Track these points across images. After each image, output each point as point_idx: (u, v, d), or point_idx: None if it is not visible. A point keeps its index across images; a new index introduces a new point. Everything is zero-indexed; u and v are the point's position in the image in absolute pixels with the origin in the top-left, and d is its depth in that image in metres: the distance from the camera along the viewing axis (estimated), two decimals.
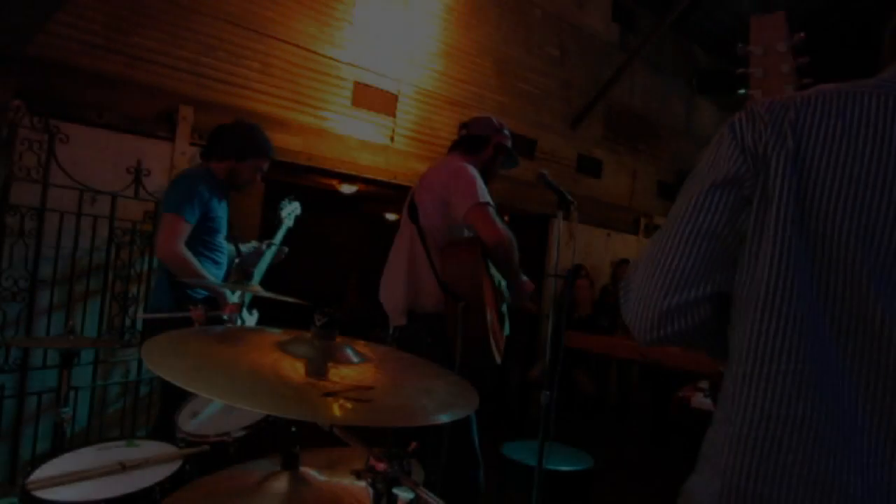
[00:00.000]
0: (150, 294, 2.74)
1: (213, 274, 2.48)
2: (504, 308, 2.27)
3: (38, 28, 2.58)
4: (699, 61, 7.80)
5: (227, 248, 2.63)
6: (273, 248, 2.78)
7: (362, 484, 0.88)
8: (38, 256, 3.02)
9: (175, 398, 2.83)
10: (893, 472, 0.68)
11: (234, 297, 2.44)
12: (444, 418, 0.90)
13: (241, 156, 2.54)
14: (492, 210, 2.02)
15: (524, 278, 2.30)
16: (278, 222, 2.91)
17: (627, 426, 5.79)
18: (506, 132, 2.43)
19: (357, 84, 4.37)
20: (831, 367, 0.71)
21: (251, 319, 2.75)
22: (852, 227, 0.70)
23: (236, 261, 2.72)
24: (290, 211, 2.99)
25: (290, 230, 2.93)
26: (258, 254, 2.75)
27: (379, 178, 4.57)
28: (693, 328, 0.82)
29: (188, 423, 1.77)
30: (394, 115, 4.62)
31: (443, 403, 0.96)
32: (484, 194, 2.05)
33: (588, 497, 2.65)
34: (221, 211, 2.54)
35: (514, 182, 5.45)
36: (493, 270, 2.17)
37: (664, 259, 0.83)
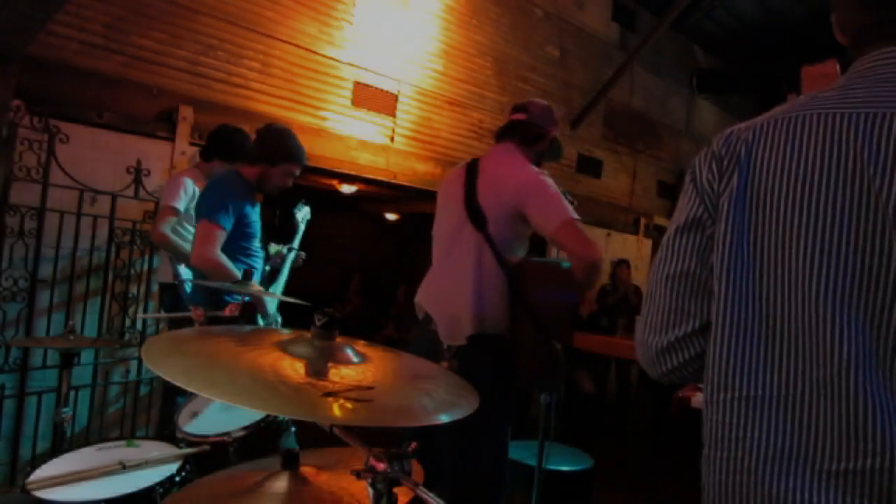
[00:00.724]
0: (187, 294, 2.77)
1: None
2: None
3: (38, 28, 2.57)
4: (699, 61, 7.80)
5: (261, 260, 2.67)
6: (294, 252, 2.87)
7: (362, 484, 0.88)
8: (38, 256, 3.02)
9: (175, 392, 2.85)
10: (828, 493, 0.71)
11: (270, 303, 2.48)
12: (444, 418, 0.90)
13: (273, 161, 2.49)
14: (582, 226, 1.85)
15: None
16: (294, 227, 2.98)
17: (627, 426, 5.79)
18: (558, 126, 2.24)
19: (357, 84, 4.37)
20: (773, 393, 0.76)
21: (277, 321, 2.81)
22: (788, 256, 0.76)
23: (268, 268, 2.78)
24: (303, 215, 3.06)
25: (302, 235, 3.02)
26: (281, 258, 2.85)
27: (379, 177, 4.57)
28: (691, 360, 0.88)
29: (188, 423, 1.77)
30: (394, 115, 4.61)
31: (443, 403, 0.96)
32: (570, 208, 1.89)
33: (588, 497, 2.65)
34: (255, 215, 2.53)
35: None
36: None
37: (650, 304, 0.92)
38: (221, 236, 2.31)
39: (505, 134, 2.14)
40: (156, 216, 2.89)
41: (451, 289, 1.96)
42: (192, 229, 2.89)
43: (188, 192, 2.90)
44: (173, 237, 2.84)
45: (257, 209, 2.58)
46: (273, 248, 2.85)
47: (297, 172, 2.59)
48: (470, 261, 1.93)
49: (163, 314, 3.13)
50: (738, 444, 0.79)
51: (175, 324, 2.80)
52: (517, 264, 1.95)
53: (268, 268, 2.76)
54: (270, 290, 2.76)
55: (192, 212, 2.87)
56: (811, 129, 0.77)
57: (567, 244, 1.82)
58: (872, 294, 0.70)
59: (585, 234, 1.83)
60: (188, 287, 2.83)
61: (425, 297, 2.07)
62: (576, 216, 1.85)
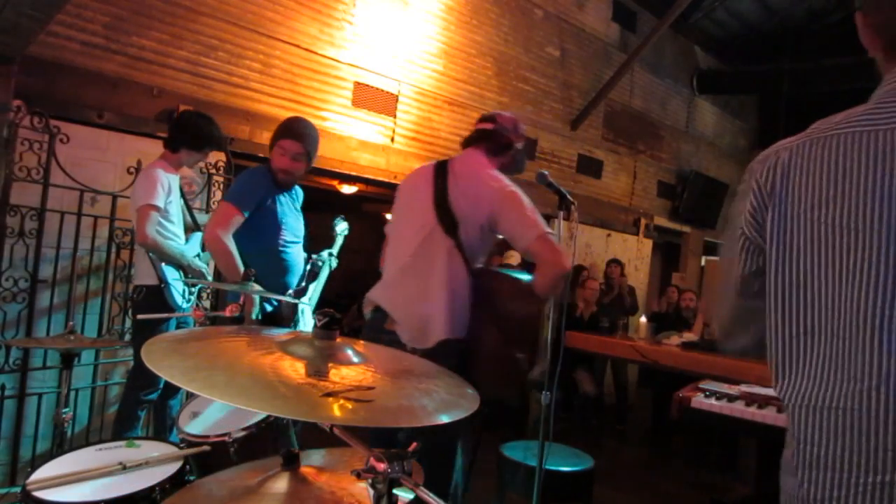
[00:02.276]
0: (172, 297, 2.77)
1: (282, 282, 2.52)
2: None
3: (38, 28, 2.57)
4: (699, 61, 7.80)
5: (300, 255, 2.69)
6: (333, 259, 2.96)
7: (362, 484, 0.88)
8: (39, 257, 3.02)
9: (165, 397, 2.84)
10: None
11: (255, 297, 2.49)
12: (444, 418, 0.90)
13: (271, 145, 2.56)
14: (555, 239, 1.91)
15: None
16: (332, 237, 3.10)
17: (627, 426, 5.79)
18: (523, 139, 2.26)
19: (357, 84, 4.37)
20: (814, 403, 0.81)
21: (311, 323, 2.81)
22: (815, 268, 0.80)
23: (309, 266, 2.82)
24: (342, 230, 3.15)
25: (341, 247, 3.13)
26: (319, 262, 2.91)
27: (379, 178, 4.57)
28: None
29: (188, 423, 1.77)
30: (394, 116, 4.62)
31: (443, 403, 0.96)
32: (543, 221, 1.94)
33: (588, 497, 2.64)
34: (288, 212, 2.57)
35: (515, 182, 5.45)
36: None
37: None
38: (237, 219, 2.37)
39: (472, 142, 2.17)
40: (135, 217, 2.66)
41: (421, 292, 1.96)
42: (169, 226, 2.78)
43: (165, 188, 2.72)
44: (160, 238, 2.68)
45: (288, 207, 2.60)
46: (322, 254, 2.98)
47: (293, 150, 2.52)
48: (440, 265, 1.95)
49: (163, 314, 3.11)
50: (787, 447, 0.84)
51: (144, 329, 2.62)
52: (483, 272, 1.99)
53: (308, 267, 2.81)
54: (310, 288, 2.80)
55: (168, 207, 2.77)
56: (847, 147, 0.79)
57: (542, 255, 1.89)
58: None
59: (559, 246, 1.91)
60: (174, 291, 2.76)
61: (385, 298, 2.06)
62: (549, 230, 1.92)
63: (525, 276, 2.00)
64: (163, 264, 2.72)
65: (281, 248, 2.55)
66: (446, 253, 1.96)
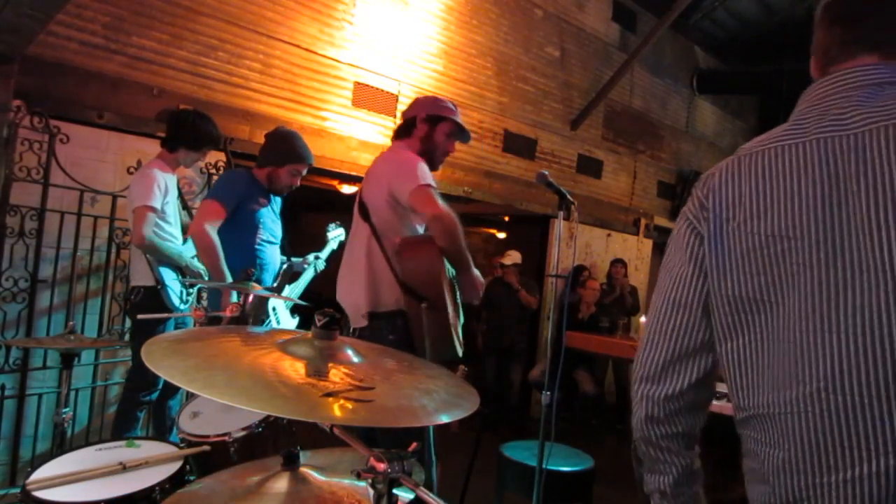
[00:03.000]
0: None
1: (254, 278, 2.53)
2: (458, 299, 2.19)
3: (38, 28, 2.58)
4: (699, 61, 7.79)
5: (275, 256, 2.73)
6: (320, 262, 3.01)
7: (362, 484, 0.88)
8: (39, 257, 3.02)
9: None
10: None
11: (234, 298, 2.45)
12: (444, 418, 0.90)
13: (280, 162, 2.65)
14: (434, 191, 1.97)
15: (476, 273, 2.16)
16: (324, 242, 3.14)
17: (627, 426, 5.78)
18: (443, 105, 2.26)
19: (357, 84, 4.37)
20: (772, 411, 0.83)
21: (293, 322, 2.88)
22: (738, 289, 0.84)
23: (285, 266, 2.87)
24: (336, 236, 3.19)
25: (332, 251, 3.17)
26: (304, 263, 2.97)
27: None
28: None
29: (188, 423, 1.77)
30: (394, 115, 4.61)
31: (443, 403, 0.96)
32: (425, 176, 2.00)
33: (588, 497, 2.64)
34: (266, 214, 2.65)
35: (515, 182, 5.45)
36: (447, 264, 2.10)
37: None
38: (220, 213, 2.46)
39: (392, 139, 2.34)
40: (132, 218, 2.67)
41: (350, 278, 2.14)
42: (166, 227, 2.79)
43: (161, 189, 2.71)
44: (157, 240, 2.67)
45: (270, 211, 2.68)
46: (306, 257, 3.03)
47: (304, 172, 2.74)
48: (361, 251, 2.10)
49: (163, 314, 3.11)
50: (753, 457, 0.85)
51: (142, 329, 2.64)
52: (396, 244, 2.07)
53: (283, 268, 2.87)
54: (290, 290, 2.85)
55: (165, 207, 2.76)
56: (771, 160, 0.83)
57: (417, 207, 1.96)
58: (849, 304, 0.74)
59: (435, 196, 1.95)
60: (171, 292, 2.75)
61: (338, 295, 2.21)
62: (427, 182, 1.96)
63: (414, 234, 2.10)
64: (160, 266, 2.72)
65: (257, 247, 2.63)
66: (365, 239, 2.10)
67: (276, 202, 2.79)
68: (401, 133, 2.27)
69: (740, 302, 0.83)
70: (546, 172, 2.28)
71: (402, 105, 4.66)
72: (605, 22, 6.36)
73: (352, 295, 2.12)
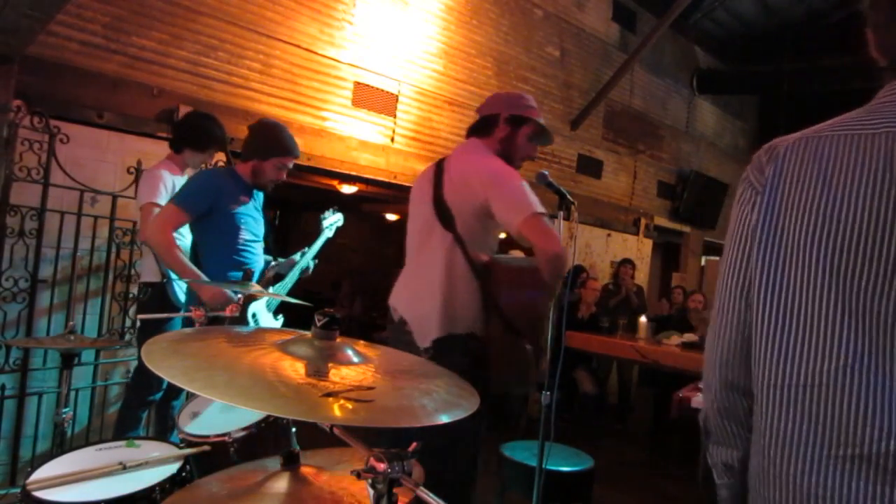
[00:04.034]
0: (175, 295, 2.74)
1: (236, 278, 2.47)
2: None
3: (38, 28, 2.58)
4: (699, 61, 7.80)
5: (259, 256, 2.62)
6: (307, 258, 2.82)
7: (362, 484, 0.88)
8: (39, 257, 3.02)
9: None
10: None
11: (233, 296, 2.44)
12: (444, 418, 0.90)
13: (264, 155, 2.50)
14: (546, 220, 1.81)
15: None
16: (318, 232, 2.96)
17: (627, 426, 5.79)
18: (526, 104, 2.09)
19: (357, 84, 4.37)
20: (791, 382, 0.85)
21: (276, 324, 2.75)
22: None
23: (272, 263, 2.74)
24: (333, 222, 3.02)
25: (327, 240, 3.01)
26: (291, 263, 2.80)
27: (379, 178, 4.57)
28: None
29: (188, 423, 1.77)
30: (394, 115, 4.62)
31: (443, 404, 0.96)
32: (534, 200, 1.84)
33: (588, 497, 2.64)
34: (247, 211, 2.52)
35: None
36: None
37: None
38: (179, 218, 2.35)
39: (468, 133, 2.15)
40: (139, 215, 2.72)
41: (422, 290, 1.94)
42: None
43: (168, 188, 2.75)
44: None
45: (252, 207, 2.55)
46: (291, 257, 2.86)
47: (290, 165, 2.57)
48: (440, 262, 1.91)
49: (163, 314, 3.11)
50: (763, 433, 0.86)
51: (152, 326, 2.65)
52: (486, 264, 1.92)
53: (272, 264, 2.74)
54: (274, 290, 2.75)
55: None
56: (839, 147, 0.84)
57: (530, 238, 1.78)
58: (880, 290, 0.76)
59: (550, 227, 1.80)
60: (177, 288, 2.78)
61: (398, 300, 2.04)
62: (540, 210, 1.81)
63: (524, 262, 1.94)
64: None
65: (240, 248, 2.52)
66: (446, 248, 1.91)
67: (259, 197, 2.67)
68: (479, 130, 2.07)
69: (782, 272, 0.85)
70: (546, 172, 2.26)
71: (403, 105, 4.66)
72: (605, 22, 6.36)
73: (420, 307, 1.93)
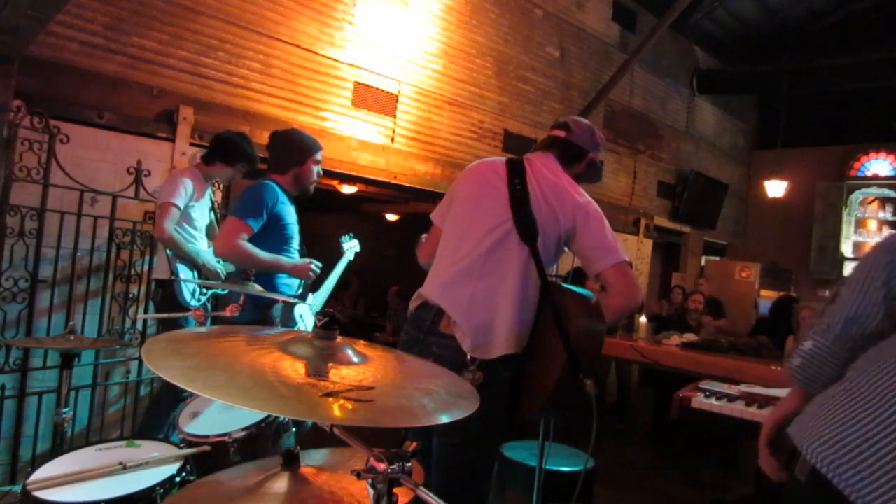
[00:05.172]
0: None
1: (286, 285, 2.59)
2: None
3: (38, 28, 2.57)
4: (699, 61, 7.80)
5: (300, 254, 2.73)
6: (332, 278, 3.00)
7: (362, 484, 0.88)
8: (39, 257, 3.02)
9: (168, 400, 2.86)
10: None
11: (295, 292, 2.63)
12: (444, 418, 0.90)
13: (301, 160, 2.63)
14: (631, 269, 1.84)
15: None
16: (339, 254, 3.14)
17: (627, 426, 5.79)
18: (601, 148, 2.15)
19: (357, 84, 4.37)
20: None
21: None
22: None
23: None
24: (351, 247, 3.19)
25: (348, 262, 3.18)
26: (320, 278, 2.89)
27: (379, 178, 4.57)
28: None
29: (188, 423, 1.77)
30: (394, 116, 4.62)
31: (443, 404, 0.96)
32: (621, 247, 1.86)
33: (588, 497, 2.64)
34: (291, 218, 2.63)
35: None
36: None
37: None
38: (246, 231, 2.43)
39: (544, 147, 2.04)
40: (156, 213, 2.89)
41: (489, 298, 1.79)
42: (190, 230, 2.97)
43: (188, 191, 2.91)
44: (177, 235, 2.86)
45: (293, 213, 2.66)
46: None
47: (321, 160, 2.74)
48: (514, 272, 1.79)
49: (163, 314, 3.13)
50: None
51: (169, 324, 2.81)
52: (555, 287, 1.84)
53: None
54: (314, 296, 2.85)
55: (191, 212, 2.95)
56: None
57: (617, 285, 1.80)
58: None
59: (635, 278, 1.84)
60: (184, 287, 2.84)
61: (444, 297, 1.83)
62: (627, 258, 1.84)
63: (588, 294, 1.85)
64: (178, 263, 2.86)
65: (292, 256, 2.64)
66: (522, 260, 1.80)
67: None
68: (566, 157, 2.01)
69: None
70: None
71: (403, 105, 4.66)
72: (605, 22, 6.36)
73: (482, 315, 1.77)
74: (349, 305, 7.87)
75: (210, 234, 3.21)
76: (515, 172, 1.91)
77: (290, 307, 2.62)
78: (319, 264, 2.62)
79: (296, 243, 2.65)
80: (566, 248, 1.91)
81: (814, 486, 1.04)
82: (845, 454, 1.00)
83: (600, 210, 1.89)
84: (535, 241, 1.80)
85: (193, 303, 2.89)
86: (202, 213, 3.09)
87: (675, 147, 7.55)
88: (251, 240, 2.44)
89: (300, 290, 2.74)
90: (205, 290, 3.00)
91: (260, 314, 2.44)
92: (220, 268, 3.01)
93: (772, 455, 1.35)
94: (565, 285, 1.87)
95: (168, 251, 2.88)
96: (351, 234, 3.24)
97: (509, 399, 1.82)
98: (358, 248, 3.23)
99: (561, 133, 2.03)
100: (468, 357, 1.72)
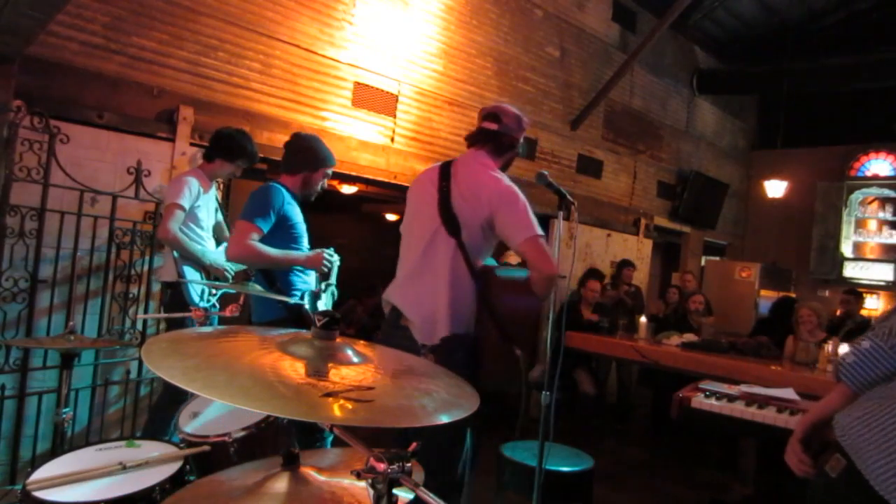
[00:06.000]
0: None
1: (303, 281, 2.62)
2: None
3: (38, 28, 2.57)
4: (699, 61, 7.80)
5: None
6: (332, 288, 2.96)
7: (362, 484, 0.88)
8: (39, 257, 3.02)
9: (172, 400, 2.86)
10: None
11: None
12: (444, 418, 0.90)
13: (314, 167, 2.68)
14: (545, 242, 2.01)
15: None
16: (325, 242, 3.07)
17: (627, 426, 5.79)
18: (526, 130, 2.35)
19: (357, 84, 4.36)
20: None
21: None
22: None
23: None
24: (336, 262, 3.12)
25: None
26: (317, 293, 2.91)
27: (379, 178, 4.57)
28: None
29: (188, 423, 1.77)
30: (394, 116, 4.62)
31: (443, 404, 0.96)
32: (536, 222, 2.03)
33: (588, 497, 2.64)
34: (298, 218, 2.66)
35: (514, 182, 5.45)
36: None
37: None
38: (257, 234, 2.45)
39: (476, 141, 2.24)
40: (162, 214, 2.91)
41: (427, 291, 2.06)
42: (197, 230, 2.98)
43: (193, 192, 2.92)
44: (181, 235, 2.87)
45: (299, 213, 2.69)
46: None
47: (331, 173, 2.81)
48: (444, 266, 2.04)
49: (162, 314, 3.14)
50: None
51: (174, 323, 2.81)
52: (484, 271, 2.07)
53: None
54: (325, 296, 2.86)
55: (197, 212, 2.97)
56: None
57: (529, 256, 1.98)
58: None
59: (548, 249, 1.99)
60: (191, 288, 2.85)
61: (399, 297, 2.14)
62: (540, 232, 2.00)
63: (521, 274, 2.08)
64: (184, 263, 2.88)
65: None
66: (450, 253, 2.04)
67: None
68: (499, 149, 2.22)
69: None
70: (546, 172, 2.27)
71: (403, 105, 4.66)
72: (605, 22, 6.36)
73: (426, 307, 2.05)
74: (370, 308, 7.87)
75: (218, 234, 3.22)
76: (443, 176, 2.15)
77: (316, 301, 2.65)
78: (332, 252, 2.66)
79: (305, 242, 2.67)
80: (495, 234, 2.10)
81: (849, 483, 1.09)
82: None
83: (515, 191, 2.09)
84: (459, 234, 2.04)
85: (202, 304, 2.91)
86: (208, 213, 3.10)
87: (675, 147, 7.55)
88: (262, 241, 2.46)
89: (319, 285, 2.76)
90: (213, 291, 3.01)
91: (290, 311, 2.47)
92: (228, 267, 3.03)
93: (804, 452, 1.38)
94: (496, 268, 2.10)
95: (175, 253, 2.90)
96: (334, 248, 3.23)
97: (472, 375, 1.96)
98: (339, 262, 3.18)
99: (493, 126, 2.23)
100: (419, 345, 2.00)
